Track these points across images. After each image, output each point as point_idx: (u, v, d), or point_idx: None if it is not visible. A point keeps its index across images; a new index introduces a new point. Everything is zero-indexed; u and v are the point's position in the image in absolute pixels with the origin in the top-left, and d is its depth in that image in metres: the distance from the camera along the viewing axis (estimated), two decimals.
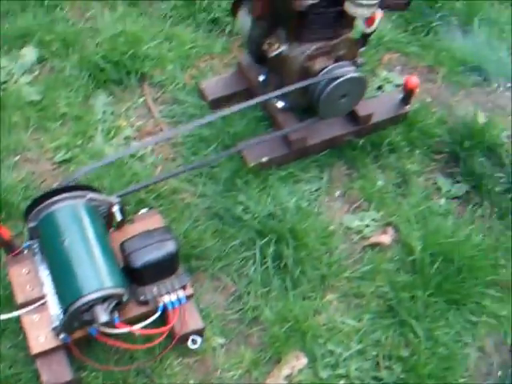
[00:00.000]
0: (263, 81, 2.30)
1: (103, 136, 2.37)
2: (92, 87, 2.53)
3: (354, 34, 2.24)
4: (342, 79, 2.05)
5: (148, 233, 1.87)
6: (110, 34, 2.63)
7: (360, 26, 2.23)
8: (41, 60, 2.61)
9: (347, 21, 2.10)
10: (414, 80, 2.37)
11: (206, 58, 2.64)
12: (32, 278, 1.85)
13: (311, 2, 2.00)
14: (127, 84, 2.54)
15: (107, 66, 2.53)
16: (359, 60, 2.30)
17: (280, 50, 2.16)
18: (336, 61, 2.16)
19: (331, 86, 2.06)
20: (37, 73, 2.58)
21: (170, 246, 1.84)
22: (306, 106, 2.23)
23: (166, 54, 2.61)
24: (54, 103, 2.46)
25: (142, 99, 2.51)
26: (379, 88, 2.64)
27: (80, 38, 2.66)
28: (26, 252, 1.87)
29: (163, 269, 1.85)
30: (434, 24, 2.90)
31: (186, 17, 2.78)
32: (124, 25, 2.69)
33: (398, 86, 2.60)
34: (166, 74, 2.56)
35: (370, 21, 2.22)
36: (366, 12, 2.01)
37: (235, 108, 1.98)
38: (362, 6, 1.98)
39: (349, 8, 2.01)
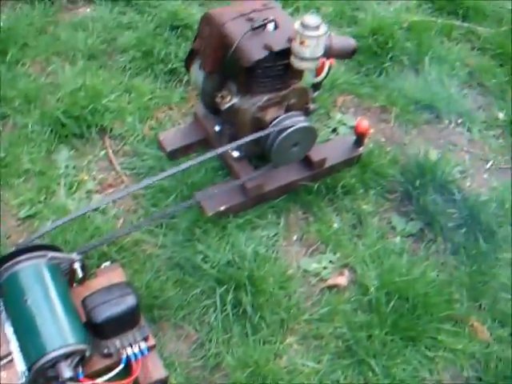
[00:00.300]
0: (219, 131, 2.37)
1: (66, 190, 2.43)
2: (54, 142, 2.58)
3: (304, 82, 2.31)
4: (291, 129, 2.13)
5: (108, 288, 1.93)
6: (71, 89, 2.69)
7: (308, 77, 2.31)
8: (3, 116, 2.66)
9: (295, 72, 2.17)
10: (365, 124, 2.45)
11: (164, 109, 2.72)
12: None
13: (258, 57, 2.08)
14: (88, 138, 2.60)
15: (68, 120, 2.59)
16: (312, 106, 2.38)
17: (232, 102, 2.24)
18: (287, 110, 2.24)
19: (282, 136, 2.14)
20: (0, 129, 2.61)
21: (130, 301, 1.90)
22: (261, 155, 2.29)
23: (126, 107, 2.68)
24: (18, 159, 2.51)
25: (103, 152, 2.57)
26: (334, 130, 2.72)
27: (41, 94, 2.72)
28: None
29: (125, 322, 1.91)
30: (386, 65, 3.01)
31: (144, 68, 2.86)
32: (84, 79, 2.75)
33: (352, 127, 2.67)
34: (126, 127, 2.62)
35: (318, 71, 2.30)
36: (311, 65, 2.10)
37: (194, 161, 2.05)
38: (306, 60, 2.06)
39: (294, 62, 2.09)
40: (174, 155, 2.46)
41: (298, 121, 2.16)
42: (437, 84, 2.98)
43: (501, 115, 2.94)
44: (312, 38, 2.01)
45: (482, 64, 3.15)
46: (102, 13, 3.12)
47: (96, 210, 2.33)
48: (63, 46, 2.95)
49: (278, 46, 2.09)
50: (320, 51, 2.07)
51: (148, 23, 3.03)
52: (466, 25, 3.33)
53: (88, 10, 3.19)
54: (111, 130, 2.62)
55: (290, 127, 2.13)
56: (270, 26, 2.15)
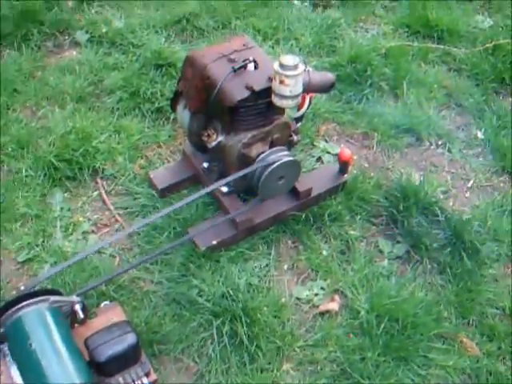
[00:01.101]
0: (207, 168, 2.46)
1: (62, 233, 2.50)
2: (48, 185, 2.64)
3: (286, 116, 2.41)
4: (276, 165, 2.22)
5: (109, 328, 2.00)
6: (62, 132, 2.76)
7: (290, 113, 2.41)
8: None
9: (277, 108, 2.26)
10: (347, 152, 2.55)
11: (153, 147, 2.80)
12: (6, 379, 1.95)
13: (240, 97, 2.17)
14: (81, 179, 2.67)
15: (61, 164, 2.66)
16: (295, 138, 2.47)
17: (218, 140, 2.33)
18: (272, 144, 2.33)
19: (267, 171, 2.23)
20: None
21: (130, 339, 1.97)
22: (248, 189, 2.38)
23: (116, 147, 2.76)
24: (14, 204, 2.58)
25: (96, 193, 2.65)
26: (318, 159, 2.80)
27: (33, 138, 2.79)
28: None
29: (126, 359, 1.98)
30: (366, 91, 3.10)
31: (131, 108, 2.94)
32: (74, 121, 2.83)
33: (336, 155, 2.75)
34: (117, 167, 2.70)
35: (299, 105, 2.40)
36: (291, 102, 2.19)
37: (187, 200, 2.13)
38: (286, 98, 2.16)
39: (275, 100, 2.19)
40: (166, 193, 2.54)
41: (282, 156, 2.25)
42: (416, 107, 3.07)
43: (479, 134, 3.03)
44: (291, 77, 2.10)
45: (459, 85, 3.24)
46: (87, 55, 3.20)
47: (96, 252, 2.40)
48: (52, 90, 3.02)
49: (258, 86, 2.18)
50: (299, 88, 2.16)
51: (133, 63, 3.12)
52: (441, 47, 3.43)
53: (74, 52, 3.27)
54: (103, 170, 2.69)
55: (274, 162, 2.21)
56: (251, 66, 2.24)
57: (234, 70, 2.21)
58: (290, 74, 2.10)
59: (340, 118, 2.98)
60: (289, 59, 2.10)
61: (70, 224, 2.53)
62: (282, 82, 2.11)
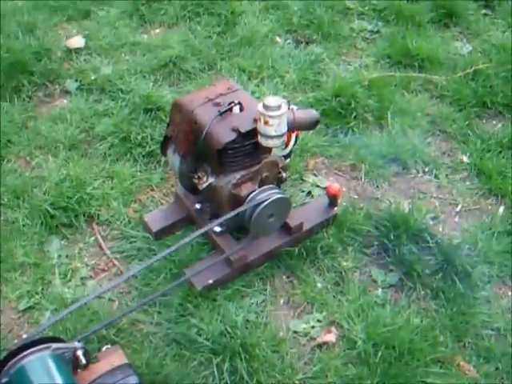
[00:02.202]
0: (199, 209, 2.51)
1: (61, 280, 2.54)
2: (45, 234, 2.69)
3: (274, 155, 2.47)
4: (266, 203, 2.28)
5: (111, 372, 2.04)
6: (56, 181, 2.82)
7: (277, 151, 2.47)
8: None
9: (264, 148, 2.33)
10: (335, 186, 2.61)
11: (146, 191, 2.86)
12: None
13: (227, 140, 2.24)
14: (77, 226, 2.72)
15: (56, 212, 2.71)
16: (284, 175, 2.53)
17: (208, 182, 2.39)
18: (261, 183, 2.39)
19: (258, 210, 2.28)
20: None
21: (132, 381, 2.01)
22: (241, 227, 2.44)
23: (110, 192, 2.81)
24: (12, 253, 2.62)
25: (92, 238, 2.69)
26: (309, 193, 2.86)
27: (28, 188, 2.84)
28: None
29: None
30: (351, 124, 3.17)
31: (123, 153, 3.00)
32: (68, 169, 2.89)
33: (325, 188, 2.80)
34: (112, 212, 2.75)
35: (286, 143, 2.46)
36: (277, 142, 2.26)
37: (183, 242, 2.18)
38: (272, 138, 2.23)
39: (261, 141, 2.26)
40: (160, 235, 2.59)
41: (271, 194, 2.30)
42: (401, 136, 3.14)
43: (465, 158, 3.09)
44: (275, 117, 2.17)
45: (442, 111, 3.31)
46: (78, 103, 3.27)
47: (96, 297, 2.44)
48: (44, 139, 3.09)
49: (244, 128, 2.25)
50: (284, 128, 2.23)
51: (123, 108, 3.18)
52: (422, 75, 3.51)
53: (65, 101, 3.34)
54: (98, 216, 2.74)
55: (264, 201, 2.27)
56: (236, 109, 2.31)
57: (220, 114, 2.27)
58: (274, 115, 2.17)
59: (327, 152, 3.04)
60: (272, 100, 2.17)
61: (68, 270, 2.58)
62: (266, 123, 2.18)
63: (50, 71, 3.46)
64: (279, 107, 2.18)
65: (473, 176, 3.03)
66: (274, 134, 2.21)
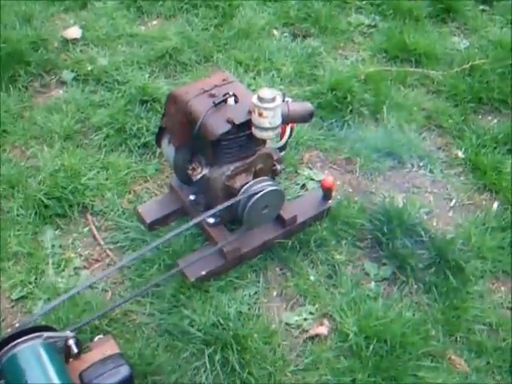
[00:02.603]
0: (193, 200, 2.51)
1: (54, 269, 2.54)
2: (39, 223, 2.69)
3: (268, 147, 2.48)
4: (259, 195, 2.28)
5: (103, 361, 2.05)
6: (50, 171, 2.82)
7: (271, 143, 2.48)
8: None
9: (258, 140, 2.33)
10: (330, 179, 2.61)
11: (140, 182, 2.86)
12: None
13: (221, 131, 2.24)
14: (71, 216, 2.72)
15: (51, 202, 2.71)
16: (279, 167, 2.53)
17: (203, 173, 2.39)
18: (255, 175, 2.39)
19: (251, 201, 2.29)
20: None
21: (123, 371, 2.02)
22: (235, 219, 2.44)
23: (104, 183, 2.81)
24: (6, 243, 2.62)
25: (86, 229, 2.70)
26: (303, 186, 2.86)
27: (23, 178, 2.84)
28: None
29: None
30: (347, 118, 3.17)
31: (118, 144, 3.00)
32: (63, 159, 2.89)
33: (320, 181, 2.80)
34: (106, 202, 2.75)
35: (280, 135, 2.46)
36: (272, 134, 2.26)
37: (174, 233, 2.18)
38: (266, 130, 2.23)
39: (255, 133, 2.26)
40: (154, 226, 2.59)
41: (265, 185, 2.31)
42: (397, 130, 3.14)
43: (460, 153, 3.09)
44: (269, 109, 2.17)
45: (438, 106, 3.31)
46: (74, 94, 3.26)
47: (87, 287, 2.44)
48: (40, 129, 3.08)
49: (239, 119, 2.25)
50: (278, 120, 2.23)
51: (119, 99, 3.18)
52: (419, 70, 3.51)
53: (61, 91, 3.33)
54: (92, 206, 2.74)
55: (258, 192, 2.27)
56: (231, 100, 2.31)
57: (215, 105, 2.27)
58: (268, 107, 2.17)
59: (323, 145, 3.04)
60: (266, 92, 2.17)
61: (61, 260, 2.58)
62: (260, 115, 2.18)
63: (47, 61, 3.45)
64: (274, 99, 2.18)
65: (468, 171, 3.03)
66: (268, 126, 2.21)
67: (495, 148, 3.10)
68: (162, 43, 3.54)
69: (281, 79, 3.37)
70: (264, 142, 2.40)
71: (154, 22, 3.79)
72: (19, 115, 3.20)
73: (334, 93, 3.22)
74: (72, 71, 3.42)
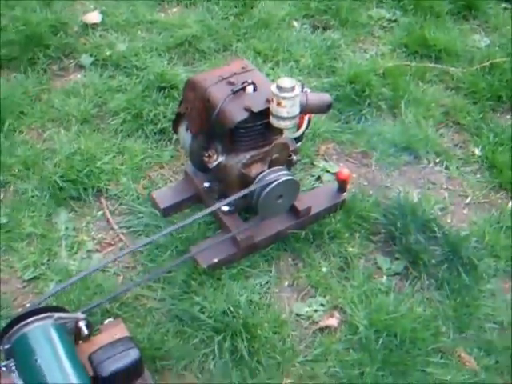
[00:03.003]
0: (208, 187, 2.51)
1: (67, 252, 2.55)
2: (53, 205, 2.70)
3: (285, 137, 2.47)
4: (274, 184, 2.28)
5: (112, 344, 2.05)
6: (67, 154, 2.83)
7: (288, 133, 2.47)
8: (4, 184, 2.80)
9: (276, 129, 2.32)
10: (345, 172, 2.60)
11: (156, 168, 2.86)
12: None
13: (239, 119, 2.24)
14: (85, 199, 2.73)
15: (66, 184, 2.72)
16: (295, 158, 2.52)
17: (218, 160, 2.39)
18: (271, 164, 2.39)
19: (266, 190, 2.28)
20: (1, 196, 2.75)
21: (133, 354, 2.02)
22: (249, 207, 2.44)
23: (120, 168, 2.82)
24: (20, 224, 2.64)
25: (100, 212, 2.71)
26: (318, 178, 2.86)
27: (39, 160, 2.86)
28: (3, 370, 2.03)
29: (129, 374, 2.02)
30: (365, 111, 3.16)
31: (135, 130, 3.00)
32: (79, 143, 2.90)
33: (335, 173, 2.80)
34: (121, 187, 2.76)
35: (298, 125, 2.46)
36: (289, 123, 2.25)
37: (189, 220, 2.18)
38: (284, 119, 2.22)
39: (273, 122, 2.25)
40: (168, 212, 2.59)
41: (280, 175, 2.30)
42: (414, 126, 3.13)
43: (477, 151, 3.07)
44: (288, 99, 2.16)
45: (457, 103, 3.29)
46: (92, 78, 3.27)
47: (98, 270, 2.45)
48: (57, 112, 3.09)
49: (257, 108, 2.25)
50: (296, 110, 2.22)
51: (137, 85, 3.18)
52: (439, 66, 3.48)
53: (79, 75, 3.34)
54: (107, 190, 2.75)
55: (273, 182, 2.27)
56: (250, 89, 2.31)
57: (233, 92, 2.27)
58: (287, 96, 2.16)
59: (339, 138, 3.03)
60: (286, 81, 2.16)
61: (74, 243, 2.59)
62: (279, 104, 2.17)
63: (66, 45, 3.46)
64: (293, 89, 2.18)
65: (484, 169, 3.01)
66: (286, 115, 2.21)
67: None
68: (181, 31, 3.54)
69: (299, 70, 3.36)
70: (281, 131, 2.40)
71: (174, 10, 3.78)
72: (37, 98, 3.21)
73: (352, 86, 3.21)
74: (91, 56, 3.42)
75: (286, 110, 2.20)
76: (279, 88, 2.17)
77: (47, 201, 2.72)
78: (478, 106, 3.30)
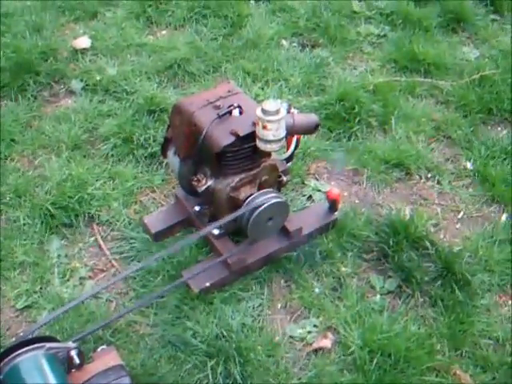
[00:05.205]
0: (198, 211, 2.51)
1: (59, 279, 2.54)
2: (45, 233, 2.70)
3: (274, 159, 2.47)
4: (263, 206, 2.27)
5: (104, 372, 2.05)
6: (58, 180, 2.83)
7: (277, 155, 2.47)
8: None
9: (263, 152, 2.32)
10: (335, 191, 2.60)
11: (147, 192, 2.86)
12: None
13: (226, 143, 2.24)
14: (77, 226, 2.72)
15: (57, 211, 2.72)
16: (285, 178, 2.53)
17: (207, 184, 2.39)
18: (260, 186, 2.39)
19: (255, 213, 2.28)
20: None
21: (124, 382, 2.02)
22: (240, 230, 2.43)
23: (111, 193, 2.82)
24: (12, 252, 2.63)
25: (92, 239, 2.70)
26: (309, 197, 2.85)
27: (30, 187, 2.85)
28: None
29: None
30: (355, 128, 3.16)
31: (125, 154, 3.01)
32: (70, 169, 2.90)
33: (326, 193, 2.79)
34: (112, 213, 2.76)
35: (286, 147, 2.46)
36: (276, 146, 2.25)
37: (181, 244, 2.19)
38: (270, 142, 2.22)
39: (260, 145, 2.25)
40: (160, 236, 2.59)
41: (269, 198, 2.30)
42: (405, 141, 3.13)
43: (469, 165, 3.07)
44: (273, 122, 2.17)
45: (447, 117, 3.29)
46: (82, 103, 3.28)
47: (91, 296, 2.45)
48: (48, 138, 3.10)
49: (243, 131, 2.25)
50: (282, 132, 2.23)
51: (127, 109, 3.19)
52: (428, 80, 3.50)
53: (69, 101, 3.35)
54: (98, 216, 2.75)
55: (261, 205, 2.27)
56: (236, 112, 2.31)
57: (219, 116, 2.27)
58: (273, 119, 2.17)
59: (330, 156, 3.02)
60: (270, 105, 2.17)
61: (67, 270, 2.58)
62: (264, 127, 2.18)
63: (56, 71, 3.47)
64: (278, 112, 2.18)
65: (476, 183, 3.01)
66: (272, 138, 2.21)
67: (504, 159, 3.08)
68: (170, 53, 3.55)
69: (289, 89, 3.37)
70: (269, 153, 2.40)
71: (163, 32, 3.80)
72: (28, 124, 3.22)
73: (342, 103, 3.21)
74: (81, 81, 3.44)
75: (271, 133, 2.20)
76: (264, 111, 2.17)
77: (39, 228, 2.71)
78: (468, 119, 3.30)
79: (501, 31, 3.94)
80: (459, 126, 3.26)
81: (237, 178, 2.34)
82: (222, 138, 2.25)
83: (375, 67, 3.58)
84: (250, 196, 2.34)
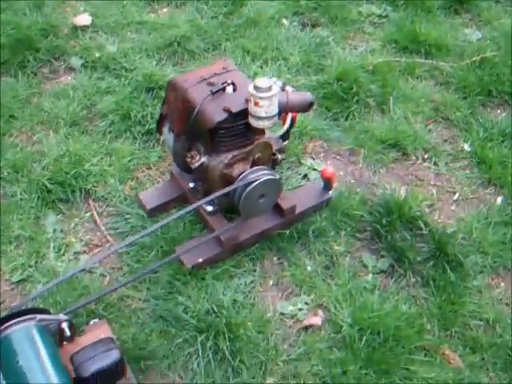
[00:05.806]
0: (193, 187, 2.52)
1: (55, 253, 2.56)
2: (42, 208, 2.71)
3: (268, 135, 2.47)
4: (255, 183, 2.28)
5: (94, 344, 2.07)
6: (55, 156, 2.84)
7: (271, 132, 2.47)
8: None
9: (257, 129, 2.33)
10: (330, 170, 2.61)
11: (143, 169, 2.87)
12: None
13: (218, 119, 2.25)
14: (73, 201, 2.74)
15: (54, 186, 2.73)
16: (280, 156, 2.53)
17: (201, 161, 2.40)
18: (253, 164, 2.39)
19: (247, 190, 2.29)
20: None
21: (114, 355, 2.04)
22: (233, 207, 2.45)
23: (107, 169, 2.83)
24: (9, 227, 2.65)
25: (88, 214, 2.72)
26: (305, 176, 2.86)
27: (28, 163, 2.87)
28: None
29: (110, 375, 2.04)
30: (353, 108, 3.15)
31: (123, 131, 3.01)
32: (67, 145, 2.91)
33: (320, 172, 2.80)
34: (108, 189, 2.77)
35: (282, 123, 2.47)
36: (268, 123, 2.26)
37: (172, 217, 2.19)
38: (262, 119, 2.23)
39: (252, 122, 2.26)
40: (154, 213, 2.61)
41: (261, 174, 2.30)
42: (403, 122, 3.12)
43: (466, 147, 3.07)
44: (265, 98, 2.17)
45: (446, 98, 3.28)
46: (81, 80, 3.28)
47: (83, 270, 2.47)
48: (47, 115, 3.10)
49: (236, 108, 2.25)
50: (275, 109, 2.23)
51: (125, 87, 3.20)
52: (429, 61, 3.48)
53: (69, 78, 3.35)
54: (95, 192, 2.77)
55: (254, 181, 2.27)
56: (229, 89, 2.31)
57: (213, 93, 2.27)
58: (264, 96, 2.17)
59: (327, 135, 3.03)
60: (262, 81, 2.17)
61: (62, 245, 2.60)
62: (256, 104, 2.18)
63: (56, 48, 3.47)
64: (270, 88, 2.18)
65: (473, 165, 3.01)
66: (264, 115, 2.21)
67: (502, 142, 3.08)
68: (170, 31, 3.55)
69: (288, 68, 3.37)
70: (263, 131, 2.40)
71: (164, 10, 3.79)
72: (27, 101, 3.22)
73: (340, 83, 3.20)
74: (81, 58, 3.44)
75: (263, 110, 2.20)
76: (256, 88, 2.18)
77: (35, 203, 2.73)
78: (467, 101, 3.29)
79: (504, 13, 3.91)
80: (458, 107, 3.25)
81: (230, 155, 2.35)
82: (215, 115, 2.26)
83: (376, 47, 3.57)
84: (242, 173, 2.34)
